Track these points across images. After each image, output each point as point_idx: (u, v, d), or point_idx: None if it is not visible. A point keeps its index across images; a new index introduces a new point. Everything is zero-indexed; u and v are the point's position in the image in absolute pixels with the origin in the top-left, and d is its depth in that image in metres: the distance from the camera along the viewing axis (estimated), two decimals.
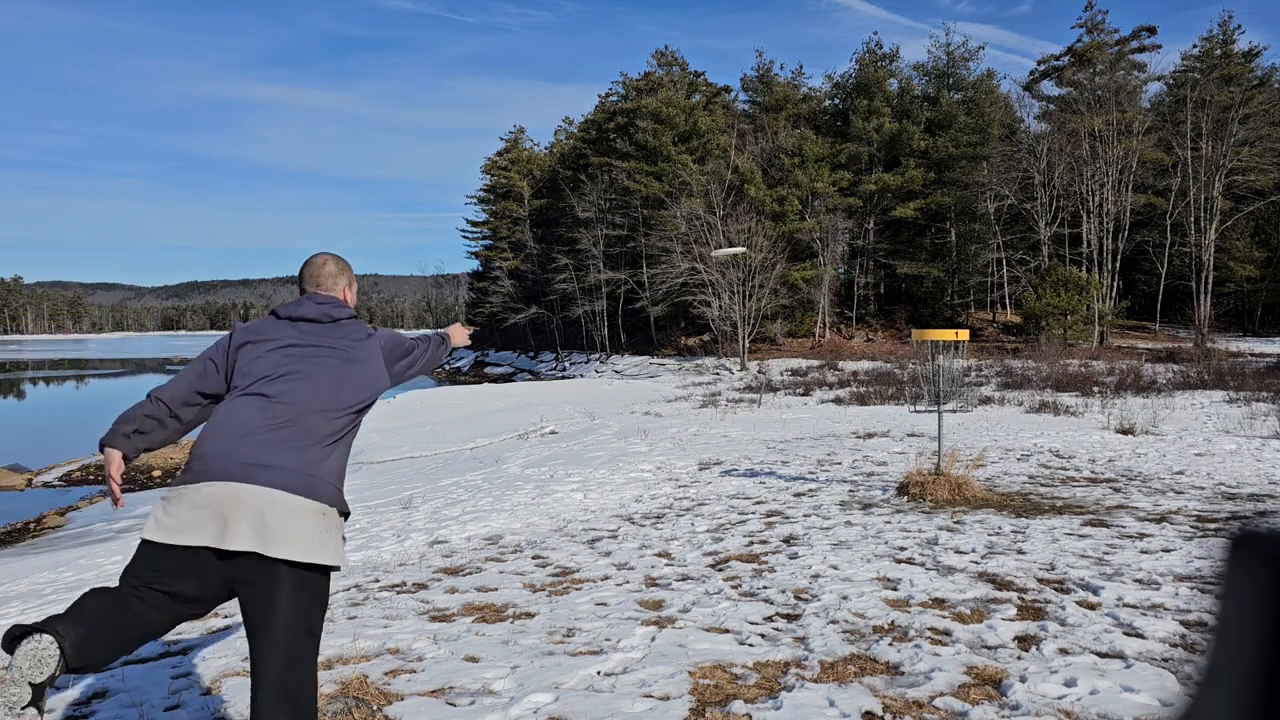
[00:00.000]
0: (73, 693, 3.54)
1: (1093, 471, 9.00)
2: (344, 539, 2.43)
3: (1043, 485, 8.20)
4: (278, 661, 2.18)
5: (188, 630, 4.51)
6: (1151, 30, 42.39)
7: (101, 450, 2.40)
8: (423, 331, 2.73)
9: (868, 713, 3.07)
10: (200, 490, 2.23)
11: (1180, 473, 8.77)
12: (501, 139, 68.02)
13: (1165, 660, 3.53)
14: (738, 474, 9.61)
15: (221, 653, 3.99)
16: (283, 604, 2.20)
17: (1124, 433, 12.05)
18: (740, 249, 10.33)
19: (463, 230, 66.66)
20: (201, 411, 2.51)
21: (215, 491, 2.22)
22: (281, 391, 2.38)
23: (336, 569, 2.35)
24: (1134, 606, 4.26)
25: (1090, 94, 40.71)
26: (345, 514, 2.45)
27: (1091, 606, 4.28)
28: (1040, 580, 4.80)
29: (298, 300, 2.64)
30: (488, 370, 53.56)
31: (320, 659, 3.83)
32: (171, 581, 2.21)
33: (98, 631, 2.15)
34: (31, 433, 23.87)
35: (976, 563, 5.23)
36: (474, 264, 68.25)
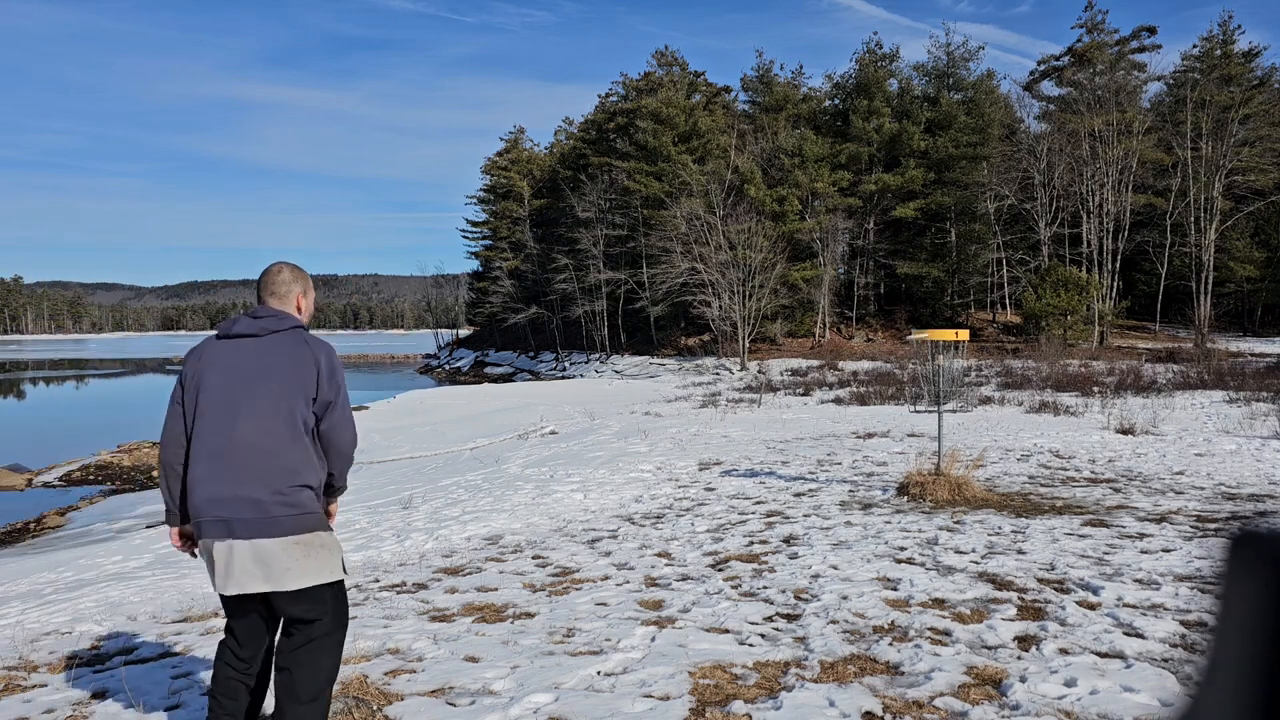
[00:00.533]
0: (73, 693, 3.54)
1: (1093, 471, 9.00)
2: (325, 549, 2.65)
3: (1043, 485, 8.20)
4: None
5: (187, 630, 4.51)
6: (1151, 30, 42.41)
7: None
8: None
9: (868, 713, 3.07)
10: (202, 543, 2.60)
11: (1180, 473, 8.77)
12: (501, 139, 68.02)
13: (1165, 660, 3.53)
14: (738, 474, 9.60)
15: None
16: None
17: (1124, 433, 12.05)
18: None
19: (463, 230, 66.66)
20: None
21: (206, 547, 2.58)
22: (228, 427, 2.55)
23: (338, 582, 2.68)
24: (1134, 606, 4.26)
25: (1090, 94, 40.69)
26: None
27: (1091, 606, 4.28)
28: (1040, 580, 4.80)
29: (237, 316, 2.74)
30: (488, 370, 53.56)
31: None
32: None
33: None
34: (31, 433, 23.86)
35: (976, 563, 5.23)
36: (474, 264, 68.21)
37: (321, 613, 2.60)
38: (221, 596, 2.61)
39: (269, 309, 2.71)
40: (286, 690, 2.56)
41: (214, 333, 2.77)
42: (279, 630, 2.72)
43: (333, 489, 2.77)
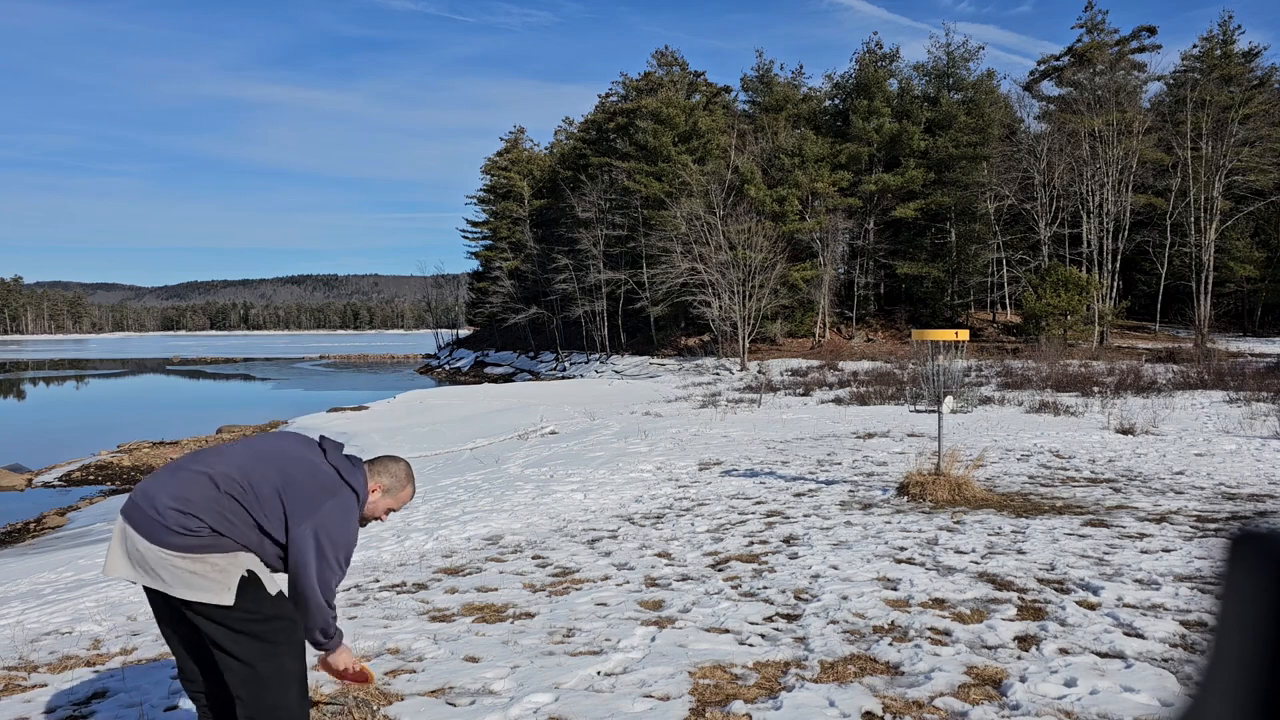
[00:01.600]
0: (74, 693, 3.54)
1: (1093, 472, 8.99)
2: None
3: (1043, 485, 8.20)
4: None
5: None
6: (1151, 30, 42.39)
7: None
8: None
9: (868, 713, 3.07)
10: None
11: (1180, 473, 8.77)
12: (501, 139, 67.99)
13: (1165, 660, 3.53)
14: (738, 474, 9.61)
15: None
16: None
17: (1124, 433, 12.05)
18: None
19: (463, 230, 66.63)
20: None
21: None
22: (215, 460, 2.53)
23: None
24: (1134, 606, 4.26)
25: (1090, 94, 40.68)
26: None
27: (1091, 606, 4.28)
28: (1040, 580, 4.80)
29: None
30: (488, 370, 53.55)
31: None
32: None
33: None
34: (31, 433, 23.86)
35: (976, 563, 5.23)
36: (474, 264, 68.17)
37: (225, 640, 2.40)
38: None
39: (349, 460, 2.65)
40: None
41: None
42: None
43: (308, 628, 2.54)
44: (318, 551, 2.47)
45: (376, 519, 2.75)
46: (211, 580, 2.35)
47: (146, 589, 2.47)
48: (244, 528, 2.41)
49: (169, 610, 2.49)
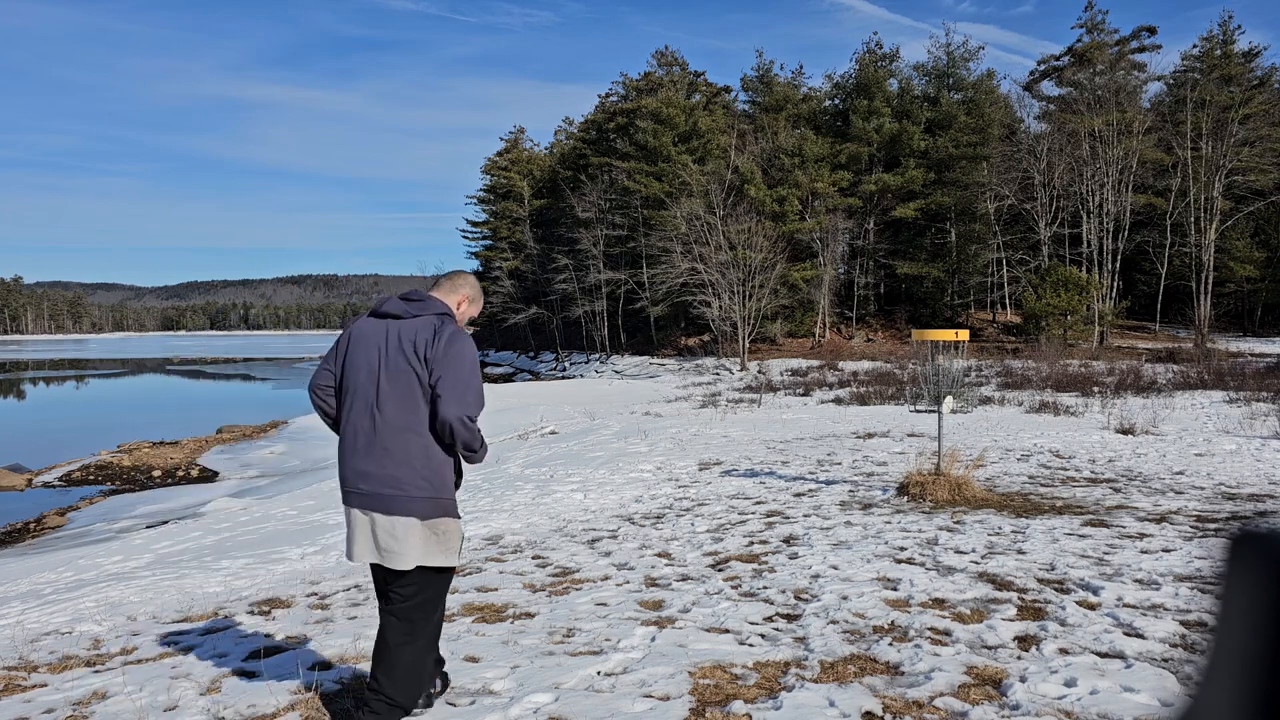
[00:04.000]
0: (73, 693, 3.54)
1: (1093, 471, 8.99)
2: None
3: (1043, 485, 8.20)
4: None
5: (188, 630, 4.51)
6: (1151, 30, 42.39)
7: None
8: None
9: (868, 713, 3.07)
10: None
11: (1180, 473, 8.77)
12: (501, 139, 68.02)
13: (1165, 660, 3.53)
14: (738, 474, 9.60)
15: (221, 653, 3.99)
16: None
17: (1124, 433, 12.05)
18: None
19: (463, 230, 66.68)
20: None
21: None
22: (372, 408, 2.84)
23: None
24: (1134, 606, 4.25)
25: (1090, 94, 40.68)
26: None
27: (1091, 606, 4.27)
28: (1040, 580, 4.80)
29: (388, 296, 3.01)
30: (488, 370, 53.58)
31: (320, 659, 3.84)
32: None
33: None
34: (31, 433, 23.86)
35: (976, 563, 5.23)
36: (474, 264, 68.16)
37: (411, 593, 2.84)
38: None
39: (424, 294, 2.93)
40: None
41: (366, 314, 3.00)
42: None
43: (451, 478, 2.88)
44: (456, 379, 2.81)
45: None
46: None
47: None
48: None
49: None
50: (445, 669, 3.33)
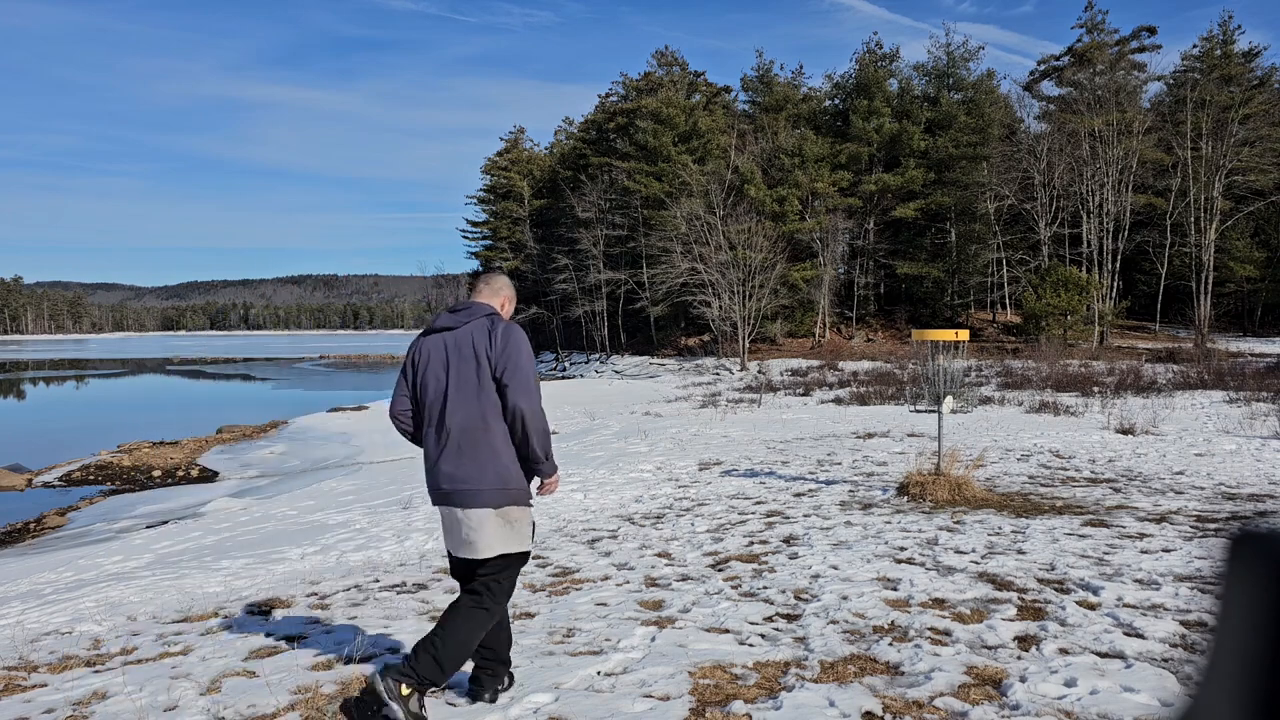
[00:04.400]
0: (74, 693, 3.54)
1: (1093, 471, 8.99)
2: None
3: (1043, 485, 8.20)
4: None
5: (187, 630, 4.51)
6: (1151, 30, 42.39)
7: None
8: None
9: (868, 713, 3.07)
10: None
11: (1180, 473, 8.77)
12: (501, 139, 68.02)
13: (1165, 660, 3.53)
14: (738, 474, 9.61)
15: (221, 653, 3.99)
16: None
17: (1124, 433, 12.05)
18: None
19: (463, 230, 66.67)
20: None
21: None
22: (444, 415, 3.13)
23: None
24: (1134, 606, 4.25)
25: (1090, 94, 40.68)
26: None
27: (1091, 606, 4.27)
28: (1040, 580, 4.80)
29: (440, 313, 3.29)
30: None
31: (320, 659, 3.84)
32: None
33: None
34: (31, 433, 23.86)
35: (976, 563, 5.23)
36: (474, 264, 68.19)
37: (490, 576, 3.10)
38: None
39: (469, 302, 3.23)
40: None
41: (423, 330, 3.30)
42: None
43: (527, 460, 3.09)
44: (521, 376, 3.11)
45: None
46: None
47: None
48: None
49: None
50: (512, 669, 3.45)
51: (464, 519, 3.04)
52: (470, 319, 3.11)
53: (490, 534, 3.03)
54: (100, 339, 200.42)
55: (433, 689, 3.07)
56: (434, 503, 3.16)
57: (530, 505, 3.15)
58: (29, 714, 3.33)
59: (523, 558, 3.19)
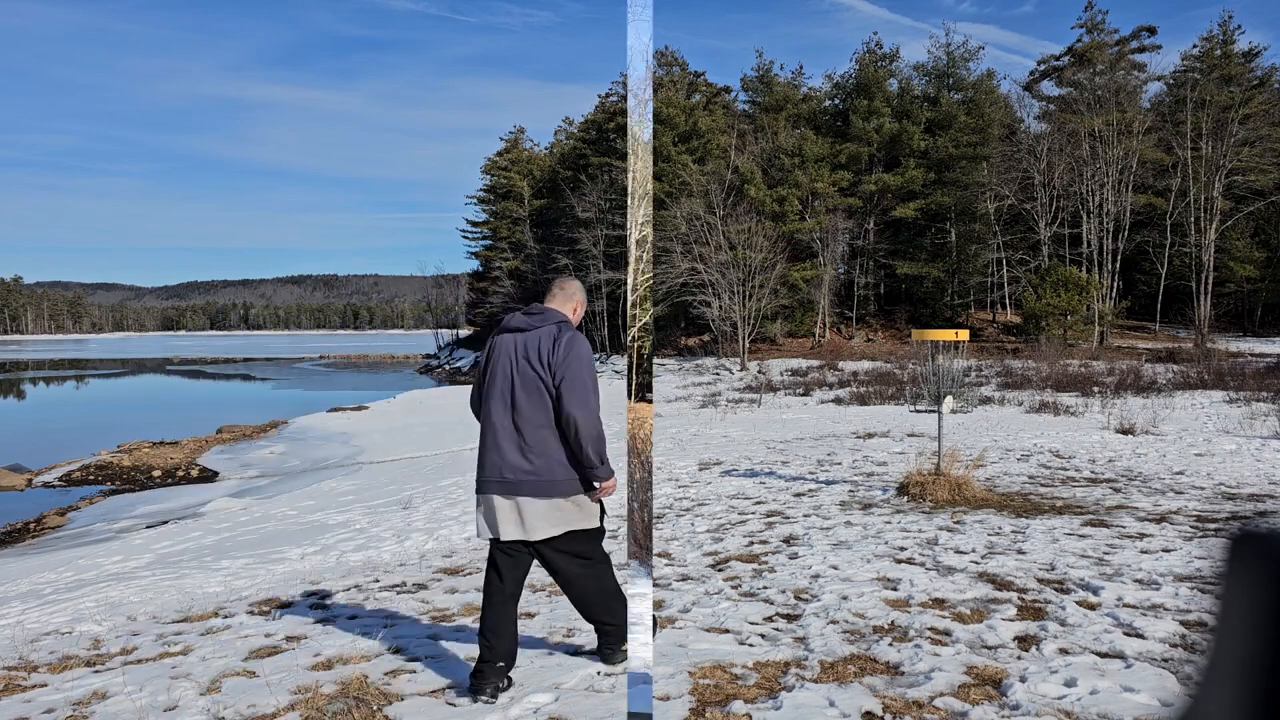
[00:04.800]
0: (74, 693, 3.54)
1: (1093, 471, 8.99)
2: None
3: (1043, 485, 8.20)
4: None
5: (187, 630, 4.51)
6: (1151, 30, 42.40)
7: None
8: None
9: (868, 713, 3.07)
10: None
11: (1180, 473, 8.77)
12: (501, 139, 68.05)
13: (1165, 660, 3.53)
14: (738, 474, 9.60)
15: (221, 653, 3.99)
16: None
17: (1124, 433, 12.05)
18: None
19: (463, 230, 66.68)
20: None
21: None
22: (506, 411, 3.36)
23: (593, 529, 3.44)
24: (1134, 606, 4.25)
25: (1090, 94, 40.68)
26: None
27: (1091, 606, 4.27)
28: (1040, 580, 4.80)
29: (514, 314, 3.50)
30: None
31: (320, 659, 3.84)
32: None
33: None
34: (31, 433, 23.86)
35: (976, 563, 5.23)
36: (474, 264, 68.22)
37: (577, 550, 3.40)
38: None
39: (542, 306, 3.43)
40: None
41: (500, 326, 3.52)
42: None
43: (580, 466, 3.30)
44: (579, 384, 3.32)
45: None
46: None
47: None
48: None
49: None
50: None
51: (529, 507, 3.25)
52: (542, 324, 3.34)
53: (555, 518, 3.27)
54: (100, 339, 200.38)
55: (619, 642, 3.47)
56: (483, 491, 3.31)
57: (586, 494, 3.37)
58: (29, 714, 3.33)
59: (596, 532, 3.46)
